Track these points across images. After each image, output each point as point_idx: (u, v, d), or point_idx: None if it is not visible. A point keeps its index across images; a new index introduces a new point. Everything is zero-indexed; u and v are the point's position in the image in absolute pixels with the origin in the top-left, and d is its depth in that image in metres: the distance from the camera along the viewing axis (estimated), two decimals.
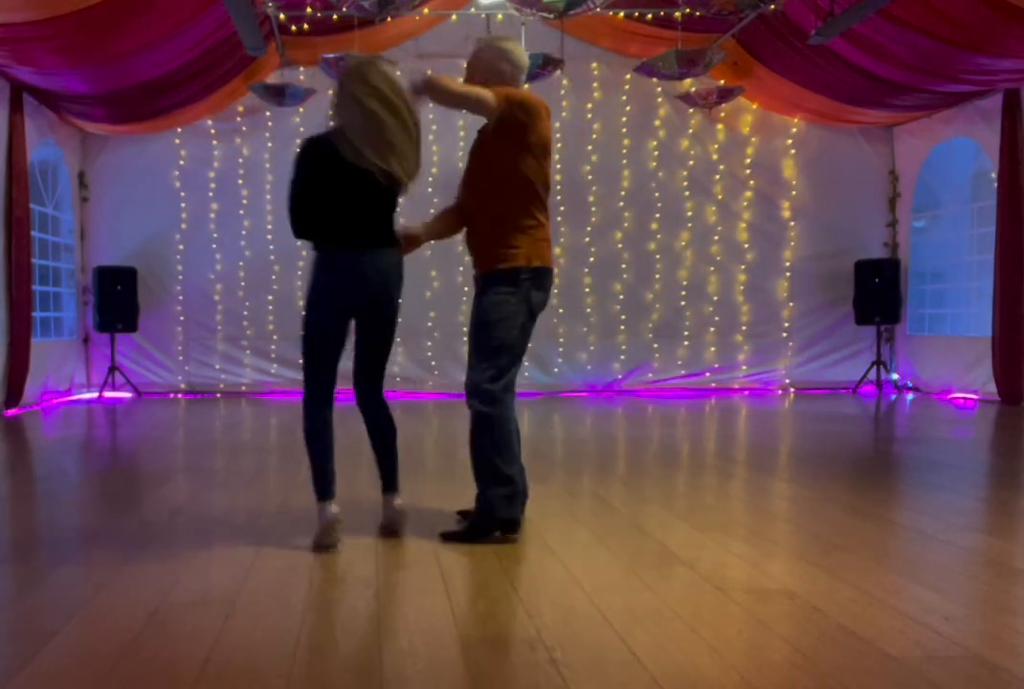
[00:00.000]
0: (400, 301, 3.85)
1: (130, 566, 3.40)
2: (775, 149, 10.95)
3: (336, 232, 3.67)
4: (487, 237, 3.81)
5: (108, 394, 10.32)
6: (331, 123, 3.72)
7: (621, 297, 10.90)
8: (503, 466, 3.73)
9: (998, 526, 4.10)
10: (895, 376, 10.93)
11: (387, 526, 3.88)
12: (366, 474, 4.63)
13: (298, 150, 3.71)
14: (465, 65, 3.95)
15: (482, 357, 3.75)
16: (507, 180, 3.75)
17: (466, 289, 10.22)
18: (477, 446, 3.76)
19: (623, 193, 10.84)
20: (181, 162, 10.59)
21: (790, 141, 10.93)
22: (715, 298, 10.98)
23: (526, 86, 9.29)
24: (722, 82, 10.08)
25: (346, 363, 3.81)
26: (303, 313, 3.76)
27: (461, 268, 10.32)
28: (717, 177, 10.93)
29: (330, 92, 4.07)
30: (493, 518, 3.74)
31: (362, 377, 3.91)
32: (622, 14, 9.11)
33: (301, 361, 3.83)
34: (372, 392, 3.93)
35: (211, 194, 10.65)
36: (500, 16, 9.52)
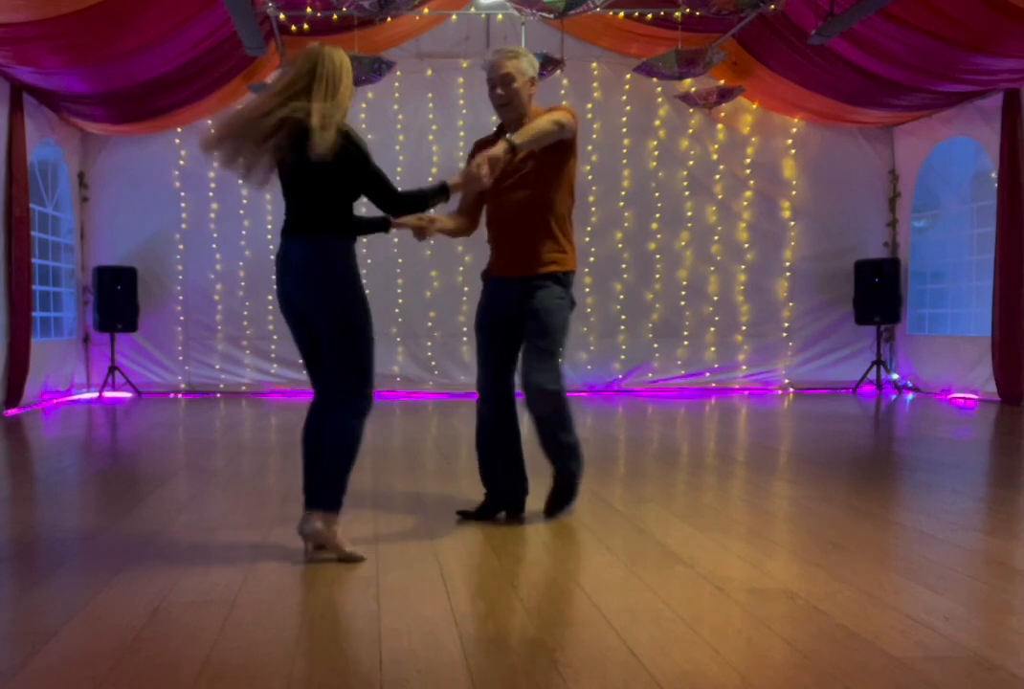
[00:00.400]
0: (340, 299, 3.50)
1: (130, 566, 3.40)
2: (775, 149, 10.95)
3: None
4: (536, 240, 4.00)
5: (108, 394, 10.32)
6: None
7: (621, 297, 10.90)
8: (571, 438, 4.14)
9: (998, 526, 4.10)
10: (895, 376, 10.92)
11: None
12: (365, 474, 4.63)
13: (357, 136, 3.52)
14: (500, 75, 3.98)
15: (546, 358, 3.97)
16: (561, 186, 4.02)
17: (466, 289, 10.21)
18: (552, 439, 4.08)
19: (623, 193, 10.84)
20: (181, 162, 10.59)
21: (790, 141, 10.93)
22: (715, 298, 10.98)
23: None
24: (722, 82, 10.08)
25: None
26: (351, 312, 3.49)
27: (461, 268, 10.32)
28: (717, 177, 10.93)
29: None
30: (576, 480, 4.17)
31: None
32: (622, 14, 9.11)
33: (354, 363, 3.51)
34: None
35: (211, 194, 10.65)
36: (500, 16, 9.53)
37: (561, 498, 4.18)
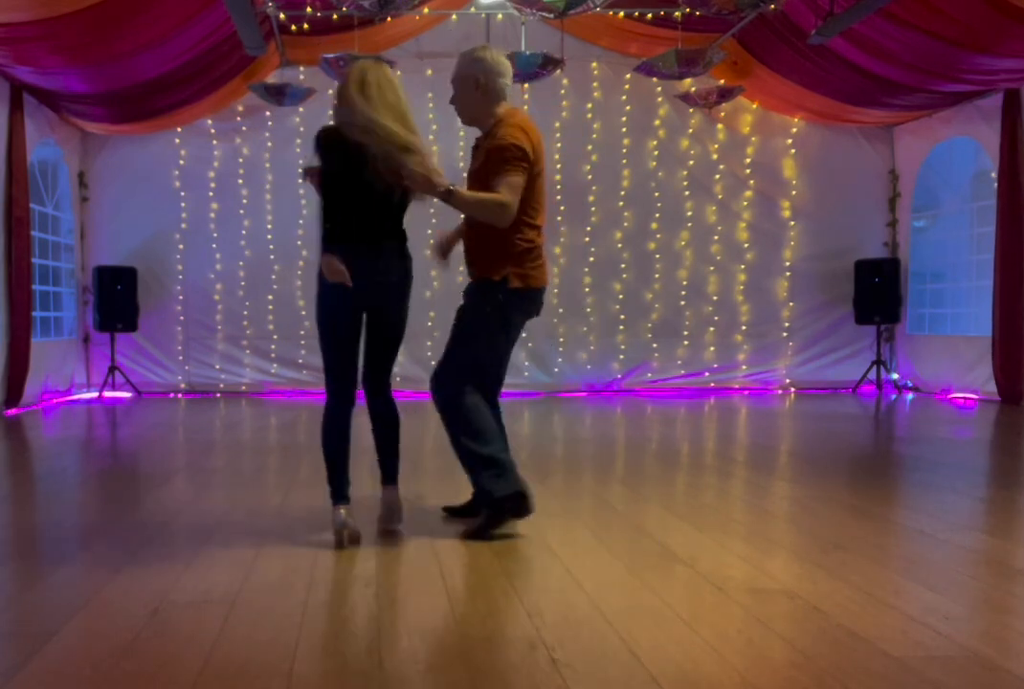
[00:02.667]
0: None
1: (130, 566, 3.40)
2: (775, 149, 10.95)
3: None
4: (479, 249, 3.97)
5: (108, 394, 10.32)
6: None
7: (621, 297, 10.89)
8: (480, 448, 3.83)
9: (998, 526, 4.10)
10: (895, 376, 10.92)
11: (384, 516, 3.90)
12: (365, 473, 4.63)
13: None
14: (453, 76, 3.98)
15: (448, 357, 3.97)
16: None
17: None
18: (454, 442, 3.91)
19: (623, 193, 10.84)
20: (181, 162, 10.59)
21: (790, 141, 10.93)
22: (715, 298, 10.98)
23: (525, 86, 9.20)
24: (722, 82, 10.08)
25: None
26: (403, 312, 3.86)
27: (461, 268, 10.25)
28: (717, 177, 10.93)
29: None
30: (494, 501, 3.79)
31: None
32: (622, 14, 9.11)
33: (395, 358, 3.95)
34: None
35: (211, 194, 10.65)
36: (500, 16, 9.53)
37: (481, 521, 3.83)
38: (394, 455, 3.94)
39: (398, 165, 3.57)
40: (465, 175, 4.03)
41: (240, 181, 10.63)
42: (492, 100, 3.91)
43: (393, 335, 3.89)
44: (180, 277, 10.66)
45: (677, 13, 8.76)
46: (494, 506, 3.79)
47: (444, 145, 10.32)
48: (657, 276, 10.94)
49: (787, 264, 11.02)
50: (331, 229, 3.69)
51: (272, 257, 10.59)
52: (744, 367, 11.05)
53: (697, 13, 8.18)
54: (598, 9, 7.46)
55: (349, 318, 3.78)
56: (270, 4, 8.35)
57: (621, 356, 10.93)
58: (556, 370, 10.79)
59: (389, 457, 3.94)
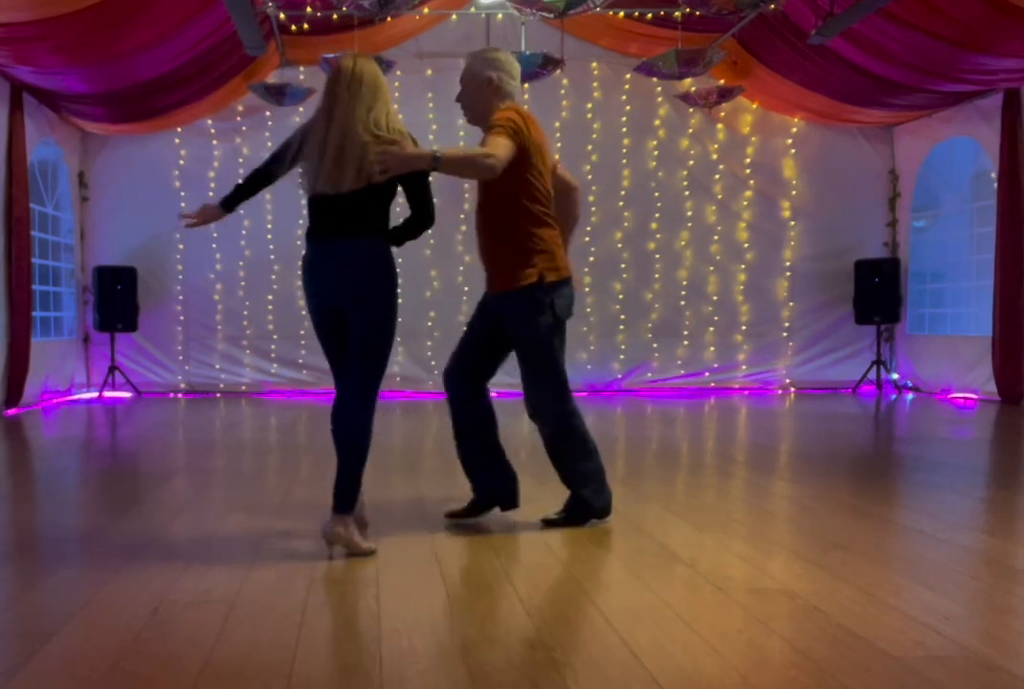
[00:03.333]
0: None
1: (130, 566, 3.40)
2: (775, 149, 10.95)
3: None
4: (501, 257, 3.93)
5: (108, 394, 10.32)
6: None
7: (621, 297, 10.90)
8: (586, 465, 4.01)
9: (998, 526, 4.10)
10: (895, 376, 10.92)
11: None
12: (365, 473, 4.62)
13: None
14: (463, 74, 4.01)
15: (537, 380, 4.01)
16: (516, 198, 3.86)
17: (466, 289, 10.22)
18: (557, 457, 4.03)
19: (623, 193, 10.84)
20: (181, 162, 10.59)
21: (790, 141, 10.93)
22: (715, 298, 10.98)
23: (526, 86, 9.21)
24: (722, 82, 10.08)
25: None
26: (387, 314, 3.62)
27: (461, 268, 10.32)
28: (717, 177, 10.93)
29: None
30: (590, 509, 3.99)
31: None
32: (622, 14, 9.11)
33: (378, 365, 3.67)
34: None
35: (211, 194, 10.62)
36: (500, 16, 9.53)
37: (572, 516, 4.02)
38: (339, 478, 3.60)
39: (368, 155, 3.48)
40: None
41: (240, 181, 10.61)
42: (500, 99, 3.94)
43: (356, 339, 3.62)
44: (180, 277, 10.66)
45: (677, 13, 8.76)
46: (587, 512, 3.99)
47: (444, 145, 10.30)
48: (657, 276, 10.94)
49: (787, 264, 11.02)
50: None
51: (272, 257, 10.59)
52: (744, 367, 11.05)
53: (697, 13, 8.18)
54: (598, 9, 7.46)
55: (319, 318, 3.72)
56: (270, 4, 8.35)
57: (621, 356, 10.93)
58: None
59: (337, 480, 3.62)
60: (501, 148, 3.67)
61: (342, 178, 3.52)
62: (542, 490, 4.78)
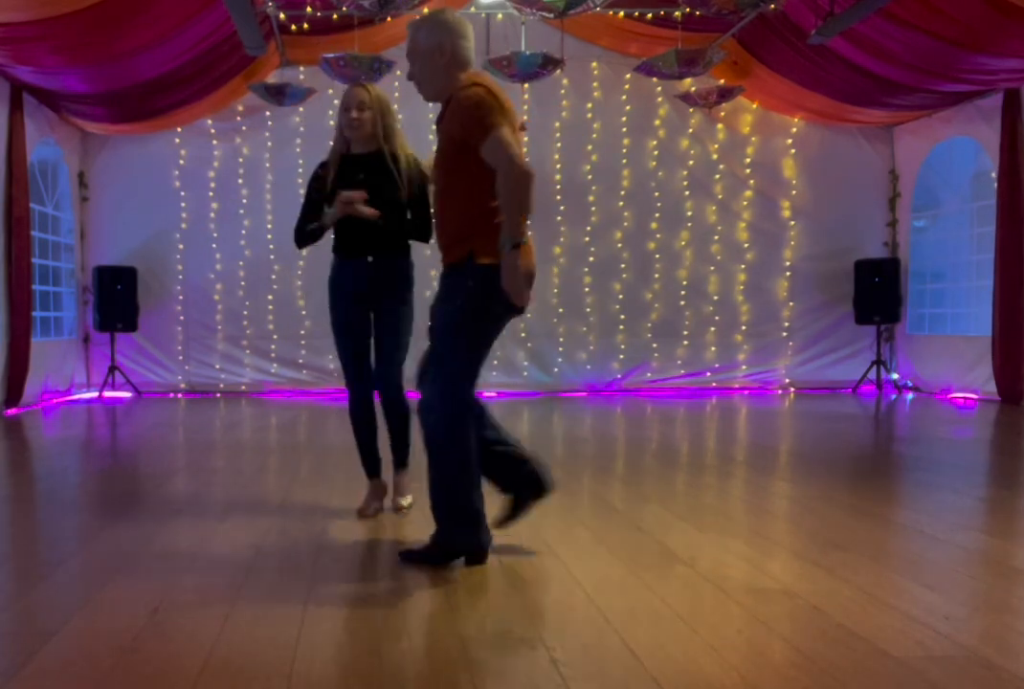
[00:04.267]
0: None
1: (130, 566, 3.40)
2: (775, 149, 10.95)
3: None
4: (448, 228, 3.48)
5: (108, 394, 10.32)
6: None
7: (620, 297, 10.90)
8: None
9: (998, 526, 4.10)
10: (895, 376, 10.93)
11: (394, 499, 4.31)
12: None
13: None
14: (408, 47, 3.47)
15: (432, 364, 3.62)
16: (468, 170, 3.34)
17: None
18: (430, 468, 3.47)
19: (623, 193, 10.84)
20: (181, 162, 10.59)
21: (790, 141, 10.93)
22: (715, 298, 10.98)
23: (525, 86, 9.12)
24: (722, 82, 10.08)
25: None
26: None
27: None
28: (717, 177, 10.93)
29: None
30: (450, 546, 3.44)
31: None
32: (622, 14, 9.11)
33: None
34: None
35: (211, 194, 10.65)
36: (500, 16, 9.53)
37: (425, 551, 3.43)
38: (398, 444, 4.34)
39: None
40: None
41: (240, 181, 10.63)
42: (458, 68, 3.40)
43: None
44: (180, 277, 10.66)
45: (677, 13, 8.76)
46: (448, 550, 3.41)
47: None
48: (657, 276, 10.94)
49: (787, 264, 11.02)
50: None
51: (272, 257, 10.59)
52: (744, 367, 11.05)
53: (697, 13, 8.18)
54: (598, 9, 7.46)
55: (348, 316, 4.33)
56: (270, 4, 8.34)
57: (621, 356, 10.93)
58: (556, 370, 10.79)
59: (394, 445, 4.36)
60: (511, 147, 3.21)
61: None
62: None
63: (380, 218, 4.07)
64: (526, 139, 10.32)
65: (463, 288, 3.36)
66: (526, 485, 3.58)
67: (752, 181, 10.93)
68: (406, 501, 4.31)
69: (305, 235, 4.25)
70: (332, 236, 4.28)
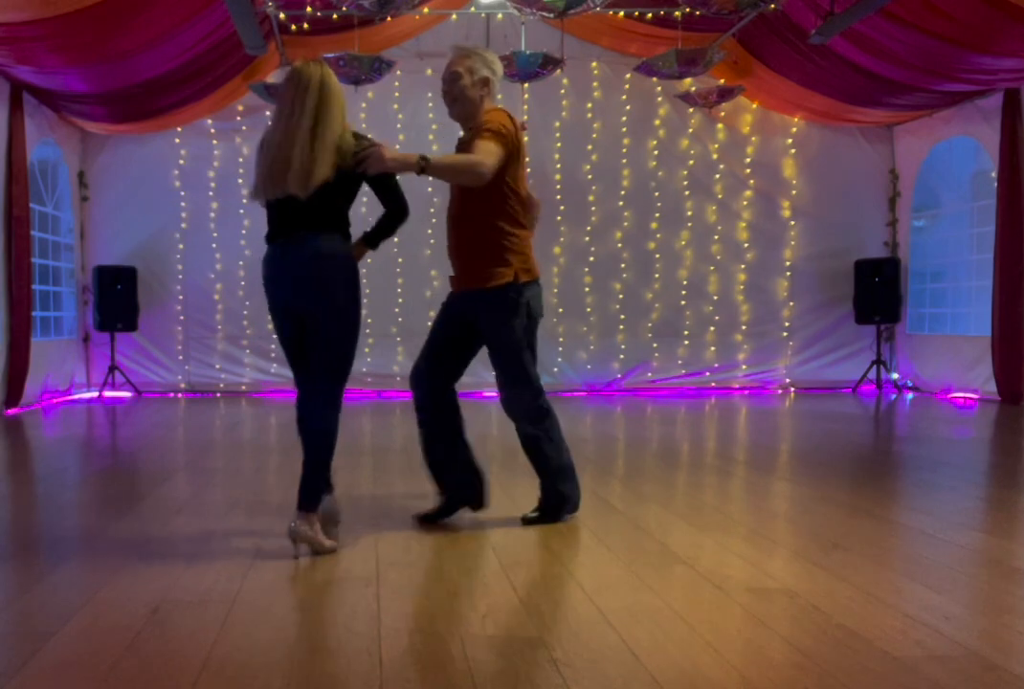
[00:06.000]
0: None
1: (130, 566, 3.40)
2: (775, 148, 10.94)
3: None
4: (474, 256, 3.98)
5: (108, 393, 10.31)
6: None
7: (621, 296, 10.89)
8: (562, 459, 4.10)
9: (998, 525, 4.10)
10: (895, 375, 10.92)
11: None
12: (365, 473, 4.63)
13: None
14: (449, 72, 3.96)
15: (509, 380, 4.12)
16: (493, 198, 3.90)
17: None
18: (533, 454, 4.08)
19: (623, 192, 10.84)
20: (181, 161, 10.59)
21: (790, 140, 10.93)
22: (715, 297, 10.98)
23: (526, 86, 9.21)
24: (722, 81, 10.07)
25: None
26: (350, 314, 3.65)
27: None
28: (717, 176, 10.93)
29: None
30: (565, 501, 4.07)
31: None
32: (622, 13, 9.10)
33: (342, 367, 3.66)
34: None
35: (211, 194, 10.65)
36: (500, 16, 9.53)
37: (549, 511, 4.11)
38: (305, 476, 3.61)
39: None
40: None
41: (240, 181, 10.63)
42: (488, 100, 3.98)
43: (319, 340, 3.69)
44: (180, 277, 10.66)
45: (677, 13, 8.75)
46: (562, 504, 4.06)
47: (444, 145, 10.31)
48: (657, 276, 10.94)
49: (787, 264, 11.02)
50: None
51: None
52: (744, 367, 11.05)
53: (697, 13, 8.17)
54: (598, 9, 7.45)
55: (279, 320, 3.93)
56: (270, 4, 8.34)
57: (621, 356, 10.93)
58: (556, 370, 10.79)
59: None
60: (492, 157, 3.72)
61: (310, 180, 3.54)
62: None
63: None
64: (526, 139, 10.33)
65: (520, 306, 3.95)
66: (466, 495, 4.09)
67: (752, 181, 10.93)
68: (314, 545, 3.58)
69: None
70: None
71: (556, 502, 4.07)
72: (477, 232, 3.94)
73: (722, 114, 10.77)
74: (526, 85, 9.79)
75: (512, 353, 4.00)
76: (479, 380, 10.42)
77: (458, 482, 4.08)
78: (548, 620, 2.78)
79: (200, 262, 10.63)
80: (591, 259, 10.77)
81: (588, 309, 10.82)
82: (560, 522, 4.04)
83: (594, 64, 10.67)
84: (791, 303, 11.03)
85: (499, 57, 8.82)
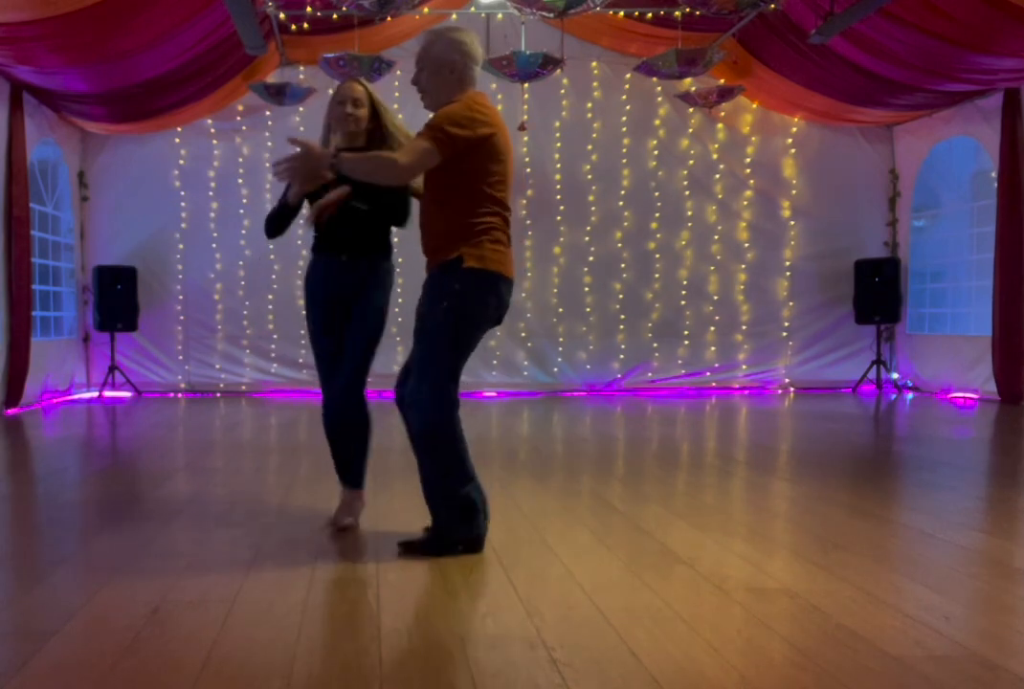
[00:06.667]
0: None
1: (130, 566, 3.40)
2: (775, 148, 10.94)
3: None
4: (435, 237, 3.62)
5: (108, 393, 10.31)
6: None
7: (621, 296, 10.89)
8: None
9: (998, 525, 4.10)
10: (895, 375, 10.92)
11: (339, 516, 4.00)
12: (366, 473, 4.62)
13: None
14: (419, 55, 3.65)
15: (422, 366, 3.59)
16: (459, 189, 3.55)
17: None
18: (420, 465, 3.62)
19: (623, 192, 10.84)
20: (181, 161, 10.59)
21: (790, 140, 10.93)
22: (715, 297, 10.98)
23: (526, 86, 9.18)
24: (722, 81, 10.07)
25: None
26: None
27: None
28: (717, 176, 10.93)
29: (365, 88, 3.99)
30: (452, 538, 3.57)
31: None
32: (622, 13, 9.10)
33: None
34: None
35: (211, 194, 10.65)
36: (500, 16, 9.53)
37: (427, 541, 3.60)
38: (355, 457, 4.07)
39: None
40: None
41: (240, 181, 10.63)
42: (462, 86, 3.60)
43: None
44: (180, 277, 10.66)
45: (677, 13, 8.76)
46: (450, 541, 3.55)
47: None
48: (657, 276, 10.94)
49: (787, 264, 11.02)
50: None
51: (272, 257, 10.59)
52: (744, 367, 11.05)
53: (697, 13, 8.17)
54: (598, 9, 7.45)
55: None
56: (270, 4, 8.34)
57: (621, 356, 10.93)
58: (556, 370, 10.79)
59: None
60: (413, 155, 3.39)
61: None
62: (542, 489, 4.79)
63: (350, 197, 3.72)
64: (526, 139, 10.35)
65: (451, 290, 3.50)
66: None
67: (752, 181, 10.93)
68: (347, 521, 3.93)
69: (270, 218, 3.94)
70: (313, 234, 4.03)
71: (436, 531, 3.59)
72: (441, 214, 3.57)
73: (722, 114, 10.76)
74: (526, 85, 9.79)
75: (429, 342, 3.54)
76: (479, 380, 10.48)
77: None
78: (548, 620, 2.78)
79: (200, 262, 10.63)
80: (591, 259, 10.77)
81: (588, 309, 10.82)
82: (440, 555, 3.50)
83: (594, 64, 10.67)
84: (791, 303, 11.03)
85: (499, 57, 8.84)
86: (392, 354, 10.35)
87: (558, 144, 10.70)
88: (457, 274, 3.48)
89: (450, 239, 3.52)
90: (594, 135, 10.75)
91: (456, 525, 3.54)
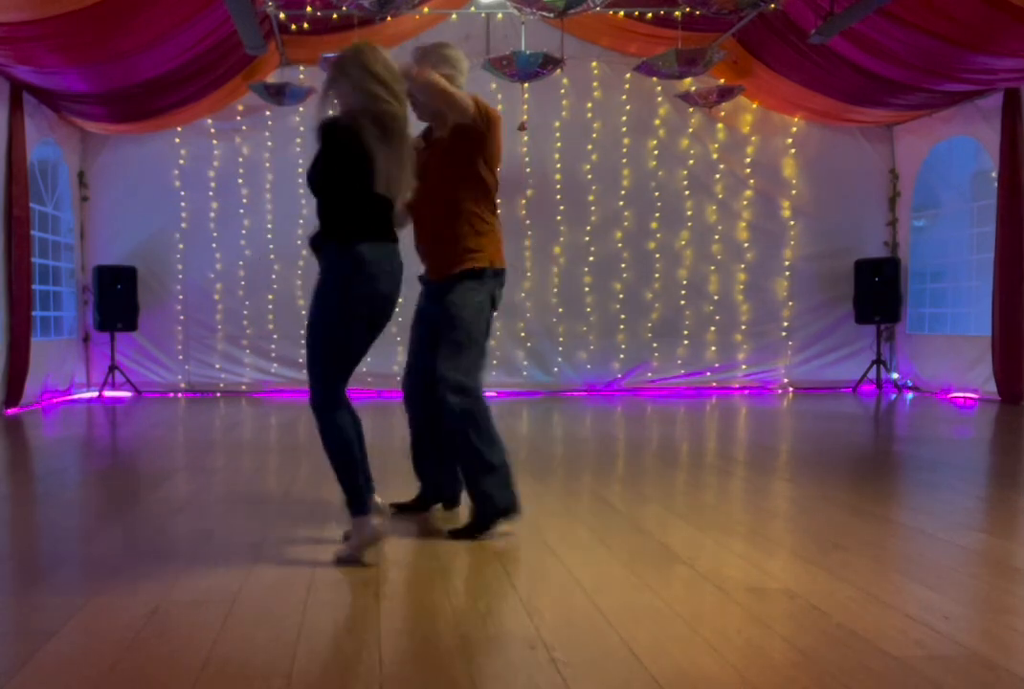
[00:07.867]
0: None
1: (130, 565, 3.40)
2: (775, 148, 10.94)
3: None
4: (447, 242, 3.91)
5: (108, 393, 10.31)
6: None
7: (621, 296, 10.89)
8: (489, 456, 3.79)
9: (998, 525, 4.10)
10: (895, 375, 10.92)
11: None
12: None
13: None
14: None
15: (455, 349, 3.83)
16: (466, 183, 3.89)
17: None
18: (462, 442, 3.80)
19: (623, 192, 10.83)
20: (181, 161, 10.59)
21: (790, 140, 10.93)
22: (715, 297, 10.98)
23: (526, 86, 9.27)
24: (722, 81, 10.07)
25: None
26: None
27: None
28: (717, 176, 10.92)
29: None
30: (494, 507, 3.77)
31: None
32: (622, 13, 9.10)
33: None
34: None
35: (211, 193, 10.65)
36: (500, 15, 9.52)
37: (472, 523, 3.81)
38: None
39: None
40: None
41: (240, 181, 10.63)
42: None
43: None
44: (180, 277, 10.65)
45: (677, 13, 8.75)
46: (492, 512, 3.77)
47: None
48: (657, 276, 10.94)
49: (787, 264, 11.02)
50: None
51: (272, 257, 10.59)
52: (744, 366, 11.04)
53: (697, 13, 8.17)
54: (598, 9, 7.45)
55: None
56: (270, 4, 8.34)
57: (621, 356, 10.93)
58: (556, 370, 10.78)
59: None
60: (467, 100, 3.74)
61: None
62: (543, 489, 4.79)
63: None
64: (526, 139, 10.35)
65: (486, 289, 3.91)
66: (441, 493, 4.19)
67: (752, 181, 10.93)
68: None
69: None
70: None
71: (480, 507, 3.80)
72: (449, 220, 3.89)
73: (722, 114, 10.76)
74: (526, 85, 9.78)
75: (465, 321, 3.86)
76: None
77: (440, 479, 4.16)
78: (548, 620, 2.78)
79: (200, 262, 10.63)
80: (591, 259, 10.76)
81: (588, 309, 10.82)
82: (488, 532, 3.75)
83: (594, 64, 10.67)
84: (791, 303, 11.03)
85: (499, 57, 8.85)
86: (392, 354, 10.36)
87: (558, 144, 10.70)
88: (492, 273, 3.92)
89: (471, 247, 3.88)
90: (594, 135, 10.75)
91: (498, 492, 3.77)
